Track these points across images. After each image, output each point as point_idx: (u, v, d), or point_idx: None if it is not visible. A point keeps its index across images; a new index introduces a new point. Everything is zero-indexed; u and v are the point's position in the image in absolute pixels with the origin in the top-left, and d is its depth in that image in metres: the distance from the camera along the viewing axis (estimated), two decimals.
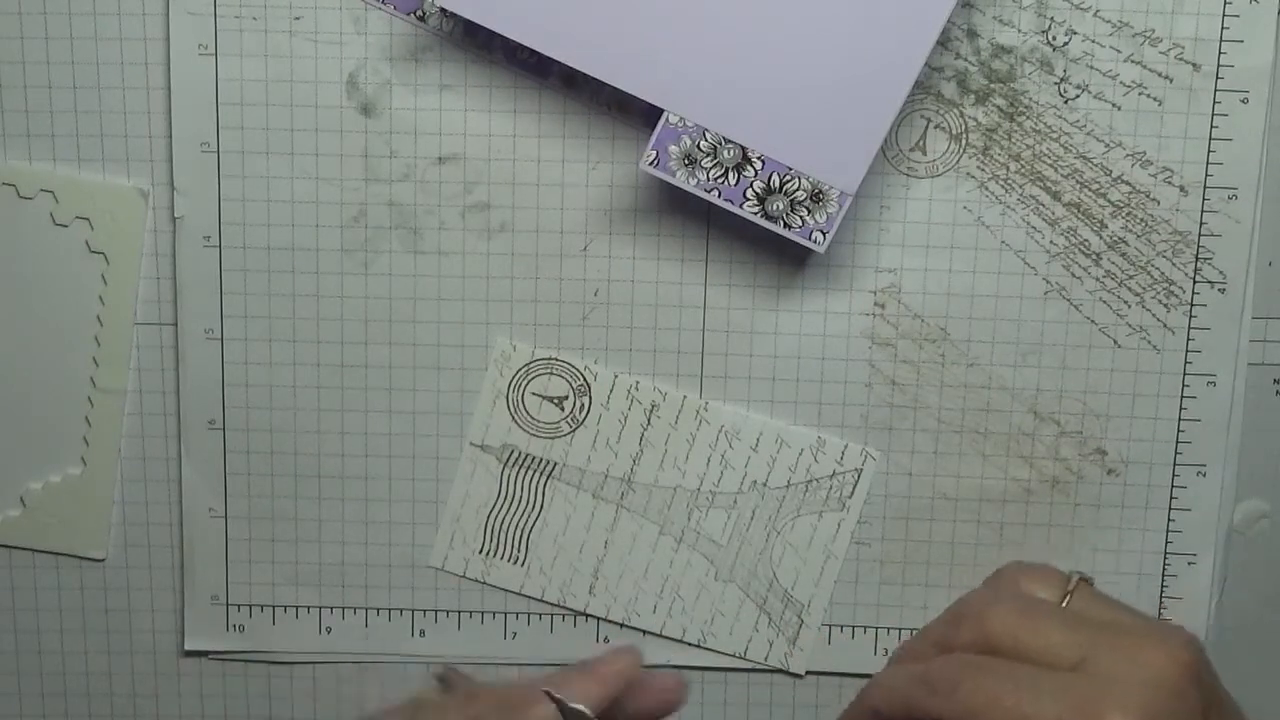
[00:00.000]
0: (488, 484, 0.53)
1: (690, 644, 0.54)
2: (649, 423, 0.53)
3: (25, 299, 0.53)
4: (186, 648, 0.55)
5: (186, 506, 0.54)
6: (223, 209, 0.52)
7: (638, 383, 0.53)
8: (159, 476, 0.54)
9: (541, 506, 0.53)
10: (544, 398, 0.53)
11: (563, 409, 0.53)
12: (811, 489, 0.53)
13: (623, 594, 0.54)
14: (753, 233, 0.51)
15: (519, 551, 0.54)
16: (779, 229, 0.49)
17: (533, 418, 0.53)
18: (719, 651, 0.54)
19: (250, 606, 0.54)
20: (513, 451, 0.53)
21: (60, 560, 0.55)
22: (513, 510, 0.53)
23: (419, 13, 0.50)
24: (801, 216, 0.48)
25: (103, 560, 0.55)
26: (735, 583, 0.54)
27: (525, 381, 0.53)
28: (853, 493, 0.53)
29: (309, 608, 0.54)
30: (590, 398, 0.53)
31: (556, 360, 0.52)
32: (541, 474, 0.53)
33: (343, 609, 0.54)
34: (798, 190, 0.48)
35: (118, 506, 0.54)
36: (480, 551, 0.54)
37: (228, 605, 0.54)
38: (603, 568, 0.53)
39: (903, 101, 0.48)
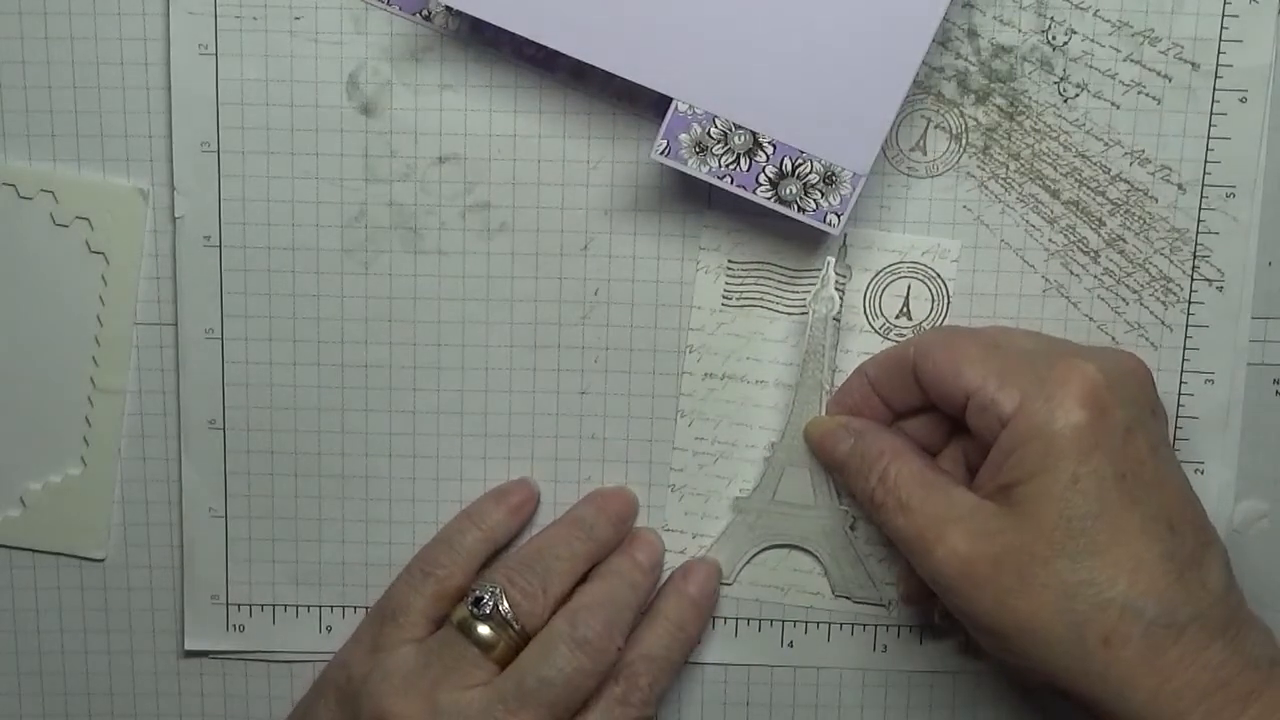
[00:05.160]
0: None
1: None
2: None
3: (25, 299, 0.53)
4: (186, 647, 0.55)
5: (186, 506, 0.54)
6: (223, 209, 0.52)
7: None
8: (159, 476, 0.54)
9: None
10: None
11: None
12: None
13: None
14: (752, 233, 0.51)
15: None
16: (793, 213, 0.48)
17: None
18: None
19: (250, 606, 0.54)
20: None
21: (60, 560, 0.55)
22: None
23: (424, 12, 0.50)
24: (815, 199, 0.48)
25: (103, 560, 0.55)
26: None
27: None
28: None
29: (309, 607, 0.54)
30: None
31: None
32: None
33: (343, 608, 0.54)
34: (810, 173, 0.48)
35: (118, 506, 0.54)
36: None
37: (228, 605, 0.54)
38: None
39: (913, 77, 0.47)
